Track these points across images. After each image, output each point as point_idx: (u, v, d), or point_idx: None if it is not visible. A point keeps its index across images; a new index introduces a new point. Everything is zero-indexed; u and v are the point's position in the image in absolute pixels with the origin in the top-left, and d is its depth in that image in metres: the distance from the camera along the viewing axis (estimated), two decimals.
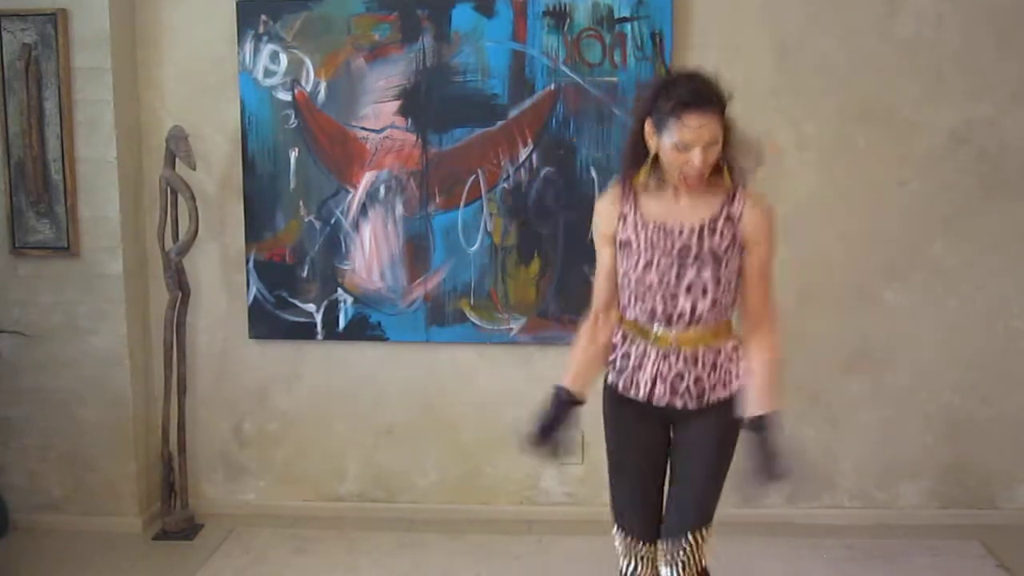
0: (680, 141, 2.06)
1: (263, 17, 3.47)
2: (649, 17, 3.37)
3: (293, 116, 3.52)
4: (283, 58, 3.49)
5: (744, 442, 2.19)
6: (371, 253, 3.56)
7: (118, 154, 3.42)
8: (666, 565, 2.25)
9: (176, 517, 3.54)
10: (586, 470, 3.61)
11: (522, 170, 3.48)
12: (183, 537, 3.51)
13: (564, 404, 2.27)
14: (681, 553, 2.22)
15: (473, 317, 3.56)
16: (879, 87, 3.40)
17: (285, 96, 3.51)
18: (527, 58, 3.43)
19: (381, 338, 3.60)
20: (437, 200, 3.52)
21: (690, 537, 2.22)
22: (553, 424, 2.26)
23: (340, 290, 3.59)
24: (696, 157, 2.06)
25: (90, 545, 3.45)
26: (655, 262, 2.15)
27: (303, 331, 3.61)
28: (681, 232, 2.14)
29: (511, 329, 3.55)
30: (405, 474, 3.70)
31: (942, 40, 3.37)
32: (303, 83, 3.50)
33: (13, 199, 3.45)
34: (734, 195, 2.16)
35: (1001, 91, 3.39)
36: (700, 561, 2.24)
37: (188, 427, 3.62)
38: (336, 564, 3.30)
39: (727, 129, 2.11)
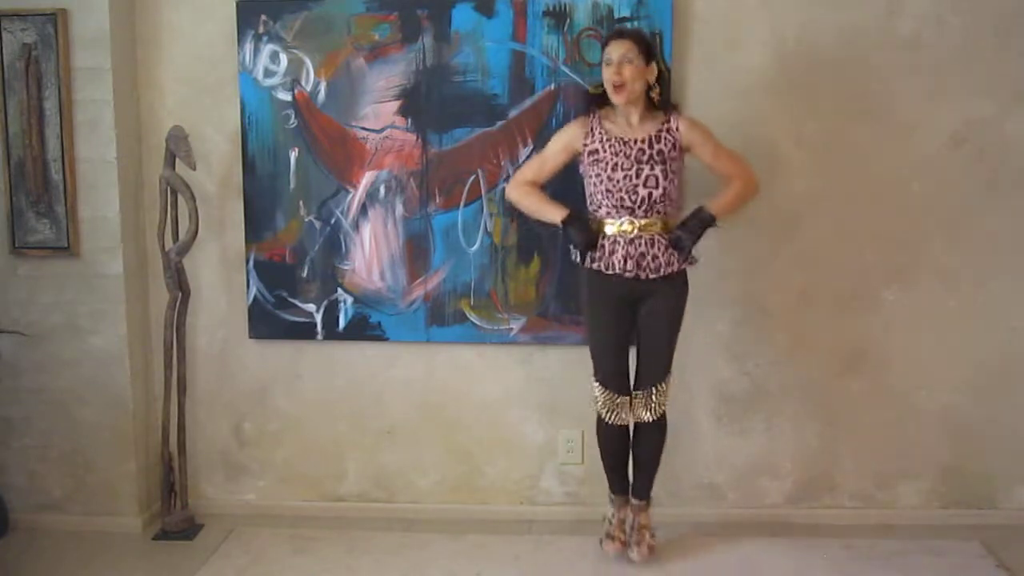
0: (606, 58, 3.01)
1: (263, 17, 3.47)
2: (649, 17, 3.37)
3: (293, 116, 3.52)
4: (283, 58, 3.49)
5: (686, 218, 3.08)
6: (371, 253, 3.56)
7: (118, 154, 3.42)
8: (644, 408, 3.17)
9: (176, 517, 3.55)
10: (586, 470, 3.61)
11: None
12: (183, 537, 3.51)
13: (579, 220, 3.09)
14: (653, 399, 3.16)
15: (473, 317, 3.56)
16: (879, 87, 3.40)
17: (285, 96, 3.51)
18: (527, 58, 3.43)
19: (381, 338, 3.60)
20: (437, 200, 3.52)
21: (660, 387, 3.16)
22: (584, 238, 3.07)
23: (340, 290, 3.59)
24: (612, 69, 2.98)
25: (90, 545, 3.45)
26: (620, 164, 3.01)
27: (303, 331, 3.61)
28: (636, 141, 3.03)
29: (511, 329, 3.55)
30: (405, 474, 3.70)
31: (942, 40, 3.37)
32: (303, 83, 3.50)
33: (13, 199, 3.45)
34: (669, 118, 3.07)
35: (1002, 91, 3.39)
36: (664, 404, 3.18)
37: (188, 427, 3.62)
38: (336, 564, 3.30)
39: (652, 65, 3.02)
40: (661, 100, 3.08)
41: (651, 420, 3.18)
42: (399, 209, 3.53)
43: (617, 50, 2.97)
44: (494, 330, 3.56)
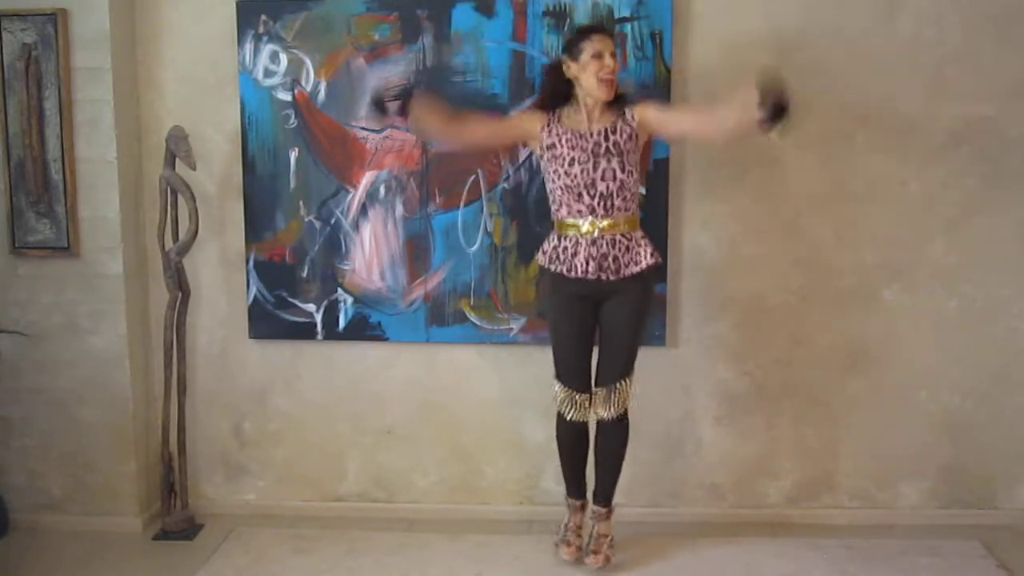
0: (596, 51, 2.96)
1: (263, 17, 3.47)
2: (649, 17, 3.37)
3: (293, 116, 3.52)
4: (283, 58, 3.49)
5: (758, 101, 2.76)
6: (371, 253, 3.56)
7: (118, 154, 3.42)
8: (604, 405, 3.12)
9: (176, 517, 3.55)
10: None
11: (522, 170, 3.48)
12: (183, 537, 3.51)
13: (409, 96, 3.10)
14: (614, 395, 3.11)
15: (473, 317, 3.56)
16: (879, 86, 3.40)
17: (285, 96, 3.51)
18: (527, 58, 3.43)
19: (381, 338, 3.60)
20: (437, 200, 3.52)
21: (620, 384, 3.11)
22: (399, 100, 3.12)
23: (340, 290, 3.59)
24: (608, 60, 2.96)
25: (90, 545, 3.45)
26: (576, 159, 3.00)
27: (303, 331, 3.61)
28: (592, 135, 3.01)
29: (511, 329, 3.55)
30: (405, 474, 3.70)
31: (942, 40, 3.37)
32: (303, 83, 3.50)
33: (13, 199, 3.46)
34: (624, 110, 3.05)
35: (1001, 91, 3.39)
36: (625, 402, 3.14)
37: (188, 427, 3.62)
38: (336, 564, 3.30)
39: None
40: (618, 96, 3.07)
41: (611, 418, 3.13)
42: (399, 209, 3.53)
43: (605, 44, 2.97)
44: (494, 330, 3.56)
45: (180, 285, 3.48)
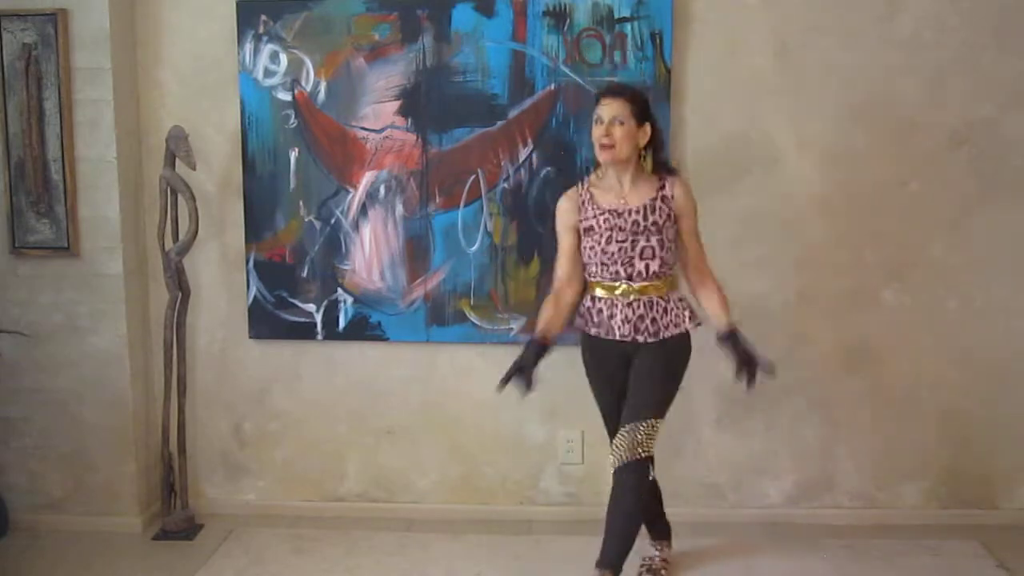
0: (597, 116, 2.85)
1: (263, 17, 3.47)
2: (649, 17, 3.37)
3: (293, 116, 3.52)
4: (283, 58, 3.49)
5: (726, 354, 2.87)
6: (371, 253, 3.56)
7: (118, 154, 3.42)
8: (624, 445, 2.85)
9: (176, 517, 3.54)
10: (586, 470, 3.61)
11: (522, 170, 3.48)
12: (183, 537, 3.51)
13: (537, 349, 2.89)
14: (638, 435, 2.84)
15: (473, 317, 3.56)
16: (879, 87, 3.40)
17: (285, 96, 3.51)
18: (527, 58, 3.43)
19: (381, 338, 3.60)
20: (437, 200, 3.52)
21: (645, 424, 2.85)
22: (527, 365, 2.87)
23: (340, 290, 3.59)
24: (602, 129, 2.81)
25: (90, 545, 3.45)
26: (614, 237, 2.87)
27: (303, 331, 3.61)
28: (630, 212, 2.87)
29: (511, 329, 3.55)
30: (405, 474, 3.70)
31: (942, 40, 3.37)
32: (303, 83, 3.50)
33: (13, 199, 3.45)
34: (664, 183, 2.90)
35: (1001, 91, 3.39)
36: (647, 447, 2.86)
37: (188, 427, 3.62)
38: (336, 564, 3.30)
39: (646, 126, 2.86)
40: (656, 163, 2.93)
41: (628, 460, 2.83)
42: (399, 209, 3.53)
43: (609, 110, 2.82)
44: (494, 330, 3.56)
45: (180, 285, 3.48)
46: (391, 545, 3.44)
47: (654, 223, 2.86)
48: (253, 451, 3.73)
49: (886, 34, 3.38)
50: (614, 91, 2.89)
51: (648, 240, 2.87)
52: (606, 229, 2.87)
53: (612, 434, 2.97)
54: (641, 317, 2.89)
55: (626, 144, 2.82)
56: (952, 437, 3.56)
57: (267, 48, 3.49)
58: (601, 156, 2.86)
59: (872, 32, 3.38)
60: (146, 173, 3.60)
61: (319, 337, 3.61)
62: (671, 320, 2.91)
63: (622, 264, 2.88)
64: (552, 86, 3.43)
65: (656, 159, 2.94)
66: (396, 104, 3.48)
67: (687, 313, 2.94)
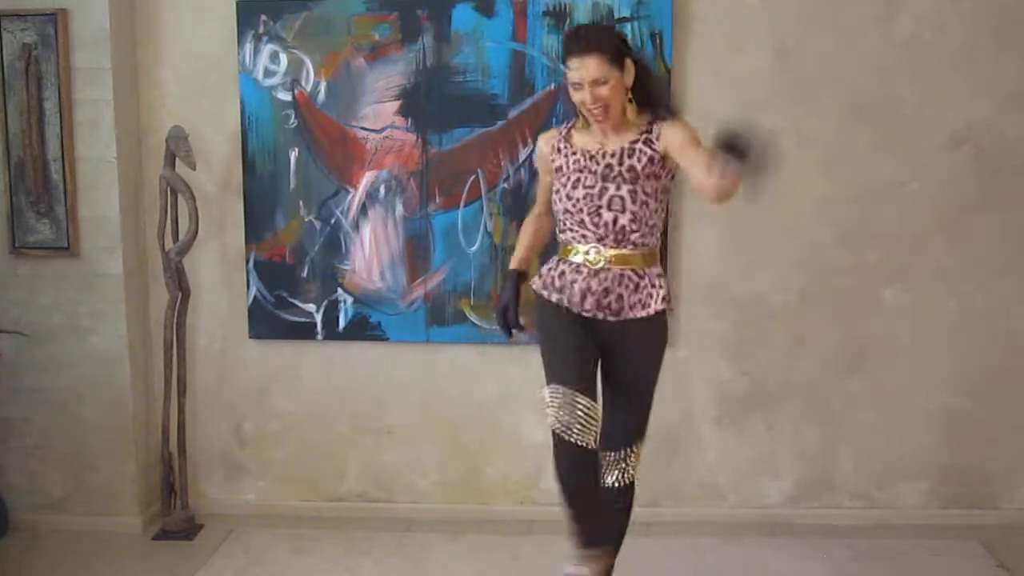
0: (571, 82, 2.46)
1: (263, 17, 3.47)
2: (649, 17, 3.37)
3: (293, 116, 3.52)
4: (283, 58, 3.49)
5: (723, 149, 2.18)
6: (371, 253, 3.56)
7: (118, 154, 3.42)
8: (611, 472, 2.66)
9: (176, 517, 3.54)
10: None
11: (522, 170, 3.48)
12: (183, 537, 3.51)
13: (515, 278, 2.70)
14: (625, 462, 2.65)
15: (473, 317, 3.56)
16: (879, 87, 3.40)
17: (285, 96, 3.51)
18: (527, 58, 3.43)
19: (381, 338, 3.60)
20: (437, 200, 3.52)
21: (633, 449, 2.66)
22: (509, 302, 2.66)
23: (340, 290, 3.59)
24: (585, 94, 2.42)
25: (90, 545, 3.45)
26: (582, 180, 2.50)
27: (303, 331, 3.61)
28: (604, 155, 2.49)
29: None
30: (405, 474, 3.70)
31: (942, 40, 3.37)
32: (303, 83, 3.50)
33: (13, 199, 3.45)
34: (652, 126, 2.50)
35: (1001, 91, 3.39)
36: (636, 471, 2.69)
37: (188, 427, 3.62)
38: (336, 564, 3.30)
39: (627, 64, 2.44)
40: (651, 99, 2.52)
41: (620, 487, 2.65)
42: (399, 209, 3.53)
43: (583, 73, 2.41)
44: (494, 330, 3.55)
45: (180, 285, 3.48)
46: (391, 545, 3.44)
47: (630, 168, 2.46)
48: (253, 451, 3.73)
49: (886, 34, 3.38)
50: (581, 45, 2.43)
51: (618, 188, 2.47)
52: (575, 171, 2.52)
53: (561, 370, 2.48)
54: (607, 291, 2.50)
55: (616, 98, 2.44)
56: (952, 437, 3.56)
57: (267, 48, 3.49)
58: (595, 123, 2.50)
59: (872, 32, 3.38)
60: (146, 173, 3.60)
61: (319, 337, 3.61)
62: (639, 299, 2.51)
63: (588, 214, 2.49)
64: (552, 86, 3.43)
65: (645, 98, 2.50)
66: (396, 104, 3.48)
67: (660, 293, 2.52)
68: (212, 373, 3.69)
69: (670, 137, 2.46)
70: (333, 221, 3.56)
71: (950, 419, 3.55)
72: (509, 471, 3.66)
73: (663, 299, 2.53)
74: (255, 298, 3.61)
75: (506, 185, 3.49)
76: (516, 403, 3.63)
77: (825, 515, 3.59)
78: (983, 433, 3.55)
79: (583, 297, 2.52)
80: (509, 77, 3.43)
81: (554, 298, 2.57)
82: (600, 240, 2.50)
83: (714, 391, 3.58)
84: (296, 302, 3.60)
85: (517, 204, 3.49)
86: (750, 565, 3.26)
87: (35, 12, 3.34)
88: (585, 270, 2.52)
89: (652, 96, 2.54)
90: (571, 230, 2.54)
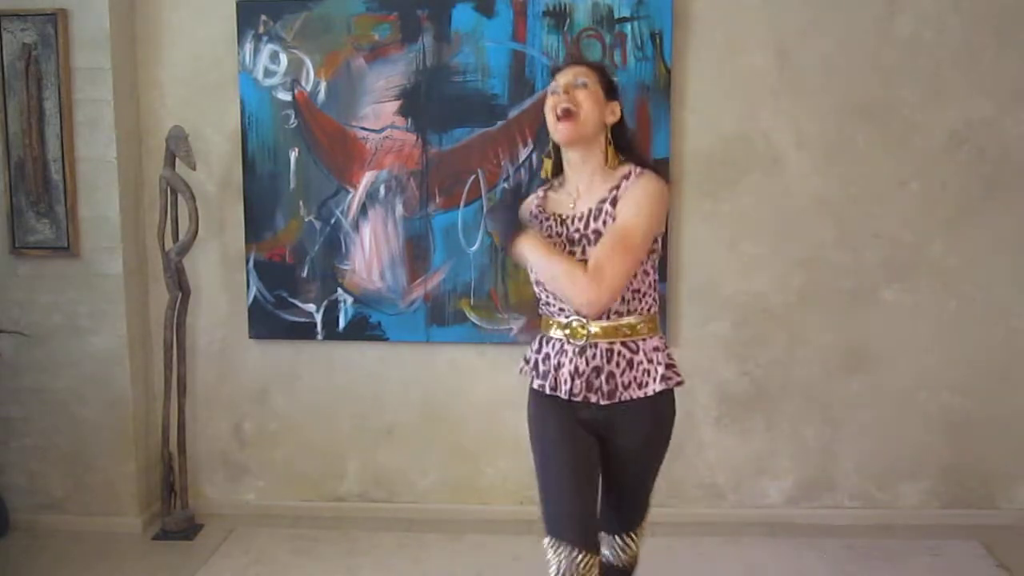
0: (552, 86, 2.20)
1: (263, 17, 3.47)
2: (649, 17, 3.37)
3: (293, 116, 3.52)
4: (283, 58, 3.49)
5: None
6: (371, 253, 3.56)
7: (118, 154, 3.42)
8: (611, 551, 2.40)
9: (176, 517, 3.54)
10: None
11: (522, 170, 3.48)
12: (183, 537, 3.51)
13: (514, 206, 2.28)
14: (628, 546, 2.39)
15: (473, 317, 3.55)
16: (879, 87, 3.40)
17: (285, 96, 3.51)
18: (527, 58, 3.43)
19: (381, 338, 3.60)
20: (437, 200, 3.52)
21: (634, 535, 2.40)
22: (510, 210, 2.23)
23: (340, 290, 3.59)
24: (558, 97, 2.16)
25: (90, 545, 3.45)
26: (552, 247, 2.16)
27: (303, 331, 3.61)
28: (574, 220, 2.18)
29: (511, 329, 3.55)
30: (405, 474, 3.70)
31: (942, 40, 3.37)
32: (303, 83, 3.50)
33: (13, 199, 3.45)
34: (623, 181, 2.18)
35: (1001, 91, 3.39)
36: (637, 556, 2.44)
37: (188, 427, 3.62)
38: (336, 564, 3.30)
39: (615, 104, 2.21)
40: (627, 146, 2.25)
41: (623, 567, 2.42)
42: (399, 209, 3.53)
43: (565, 75, 2.20)
44: (494, 330, 3.56)
45: (180, 285, 3.48)
46: (391, 545, 3.44)
47: (595, 232, 2.15)
48: (253, 451, 3.73)
49: (886, 34, 3.38)
50: (572, 60, 2.32)
51: (584, 254, 2.15)
52: (545, 237, 2.20)
53: (560, 513, 2.25)
54: (597, 370, 2.17)
55: (593, 112, 2.16)
56: (952, 437, 3.56)
57: (267, 48, 3.49)
58: (559, 131, 2.16)
59: (872, 32, 3.38)
60: (146, 173, 3.60)
61: (319, 337, 3.61)
62: (634, 377, 2.18)
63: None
64: None
65: (624, 149, 2.24)
66: (396, 104, 3.48)
67: (659, 371, 2.18)
68: (212, 373, 3.69)
69: (625, 194, 2.14)
70: (333, 221, 3.56)
71: (950, 419, 3.55)
72: (509, 471, 3.66)
73: (663, 378, 2.18)
74: (255, 298, 3.61)
75: (506, 185, 3.48)
76: (516, 403, 3.59)
77: (825, 515, 3.59)
78: (983, 433, 3.55)
79: (571, 378, 2.18)
80: (509, 77, 3.43)
81: (536, 384, 2.27)
82: (578, 312, 2.16)
83: (714, 391, 3.58)
84: (296, 302, 3.60)
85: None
86: (750, 565, 3.26)
87: (35, 12, 3.34)
88: (570, 349, 2.19)
89: (629, 143, 2.27)
90: (548, 304, 2.24)
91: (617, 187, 2.17)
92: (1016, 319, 3.50)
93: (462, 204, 3.51)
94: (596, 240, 2.13)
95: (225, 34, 3.51)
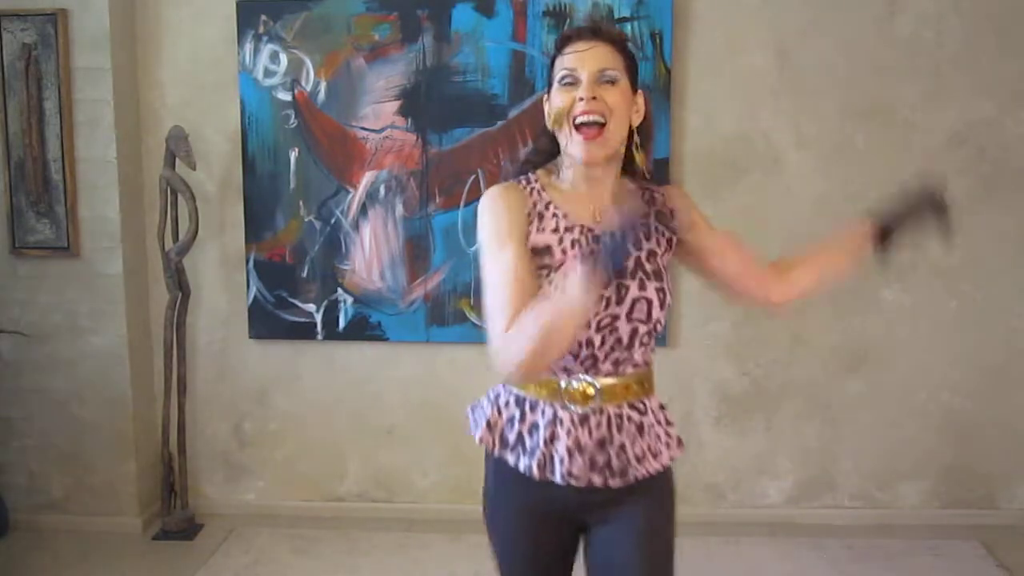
0: (566, 72, 1.64)
1: (263, 17, 3.47)
2: (649, 17, 3.37)
3: (293, 116, 3.52)
4: (283, 58, 3.49)
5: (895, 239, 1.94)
6: (371, 253, 3.56)
7: (118, 154, 3.42)
8: None
9: (176, 517, 3.54)
10: None
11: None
12: (183, 537, 3.51)
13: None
14: None
15: (473, 317, 3.55)
16: (879, 87, 3.40)
17: (285, 96, 3.51)
18: (527, 58, 3.43)
19: (381, 338, 3.60)
20: (437, 200, 3.52)
21: None
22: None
23: (340, 290, 3.59)
24: (581, 91, 1.62)
25: (90, 545, 3.45)
26: None
27: (303, 331, 3.61)
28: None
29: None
30: (405, 474, 3.70)
31: (942, 40, 3.37)
32: (303, 83, 3.50)
33: (13, 199, 3.45)
34: (654, 193, 1.76)
35: (1001, 91, 3.39)
36: None
37: (188, 427, 3.62)
38: (336, 564, 3.30)
39: (639, 96, 1.72)
40: (639, 147, 1.74)
41: None
42: (399, 209, 3.53)
43: (590, 52, 1.65)
44: None
45: (180, 285, 3.47)
46: (391, 545, 3.44)
47: (650, 255, 1.70)
48: (253, 451, 3.73)
49: (886, 34, 3.38)
50: (590, 29, 1.68)
51: (643, 289, 1.66)
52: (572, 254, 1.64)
53: None
54: (602, 443, 1.68)
55: (624, 118, 1.68)
56: (952, 437, 3.56)
57: (267, 48, 3.49)
58: (584, 151, 1.65)
59: (872, 32, 3.38)
60: (146, 173, 3.60)
61: (319, 337, 3.61)
62: (647, 445, 1.70)
63: (597, 329, 1.65)
64: None
65: (643, 153, 1.74)
66: (396, 104, 3.48)
67: (671, 431, 1.76)
68: (212, 373, 3.69)
69: (688, 217, 1.77)
70: (333, 221, 3.56)
71: (950, 419, 3.55)
72: None
73: (678, 442, 1.75)
74: (255, 298, 3.61)
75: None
76: None
77: (825, 515, 3.59)
78: (983, 433, 3.55)
79: (570, 457, 1.66)
80: (509, 77, 3.43)
81: (522, 464, 1.71)
82: (592, 367, 1.67)
83: (714, 391, 3.58)
84: (296, 302, 3.60)
85: None
86: (750, 565, 3.26)
87: (35, 12, 3.34)
88: (566, 416, 1.68)
89: (647, 153, 1.75)
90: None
91: (651, 203, 1.74)
92: (1016, 319, 3.50)
93: (462, 204, 3.51)
94: (653, 270, 1.66)
95: (225, 34, 3.50)
